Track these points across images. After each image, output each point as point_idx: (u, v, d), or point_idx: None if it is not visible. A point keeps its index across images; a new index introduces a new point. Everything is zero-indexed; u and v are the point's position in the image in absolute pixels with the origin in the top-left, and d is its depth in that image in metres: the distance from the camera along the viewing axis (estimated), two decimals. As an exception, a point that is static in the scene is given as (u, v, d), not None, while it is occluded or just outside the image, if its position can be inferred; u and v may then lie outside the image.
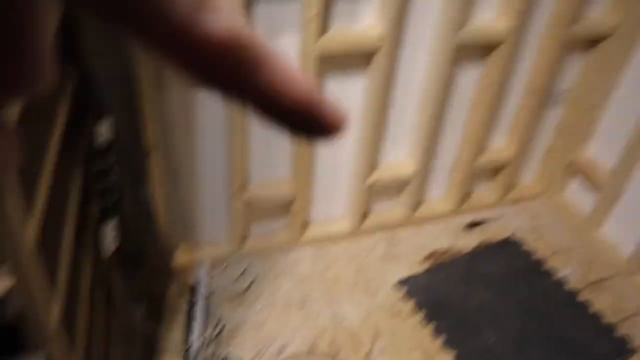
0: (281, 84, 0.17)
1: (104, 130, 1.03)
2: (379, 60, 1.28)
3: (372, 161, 1.51)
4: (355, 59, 1.29)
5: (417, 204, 1.71)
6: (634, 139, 1.56)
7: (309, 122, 0.18)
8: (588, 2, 1.50)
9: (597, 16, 1.55)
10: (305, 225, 1.57)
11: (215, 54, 0.16)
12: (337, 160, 1.49)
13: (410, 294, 1.49)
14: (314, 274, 1.51)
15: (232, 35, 0.16)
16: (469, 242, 1.70)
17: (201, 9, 0.15)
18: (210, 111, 1.23)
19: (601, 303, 1.56)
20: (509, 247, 1.71)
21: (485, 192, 1.85)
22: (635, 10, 1.49)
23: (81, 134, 0.95)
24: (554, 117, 1.75)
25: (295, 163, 1.38)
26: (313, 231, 1.58)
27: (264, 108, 0.18)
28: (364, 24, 1.25)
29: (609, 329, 1.48)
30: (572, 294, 1.57)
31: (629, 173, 1.62)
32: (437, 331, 1.40)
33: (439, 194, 1.77)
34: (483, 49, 1.44)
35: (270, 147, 1.37)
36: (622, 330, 1.47)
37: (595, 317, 1.51)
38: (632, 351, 1.42)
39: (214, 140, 1.29)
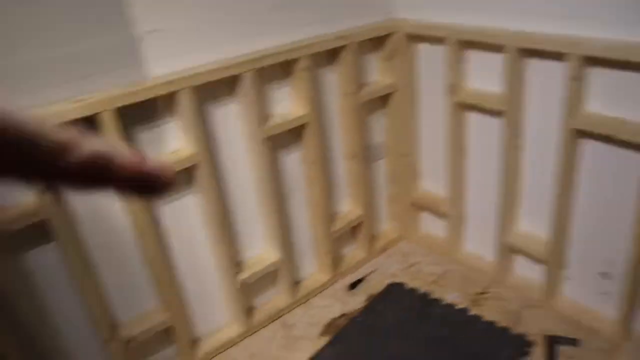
0: (124, 168, 0.27)
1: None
2: (201, 175, 1.41)
3: (235, 261, 1.60)
4: (178, 180, 1.42)
5: (295, 285, 1.81)
6: (452, 165, 1.81)
7: (146, 182, 0.27)
8: (366, 71, 1.78)
9: (377, 80, 1.83)
10: (194, 344, 1.60)
11: (79, 172, 0.26)
12: (201, 270, 1.56)
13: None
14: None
15: (90, 156, 0.26)
16: (357, 301, 1.81)
17: (65, 151, 0.25)
18: (51, 272, 1.26)
19: (490, 312, 1.70)
20: (394, 292, 1.83)
21: (353, 251, 1.99)
22: (402, 72, 1.79)
23: None
24: (382, 168, 1.98)
25: (159, 289, 1.44)
26: (205, 346, 1.61)
27: (118, 186, 0.27)
28: (175, 146, 1.39)
29: (505, 331, 1.62)
30: (464, 312, 1.71)
31: (461, 194, 1.86)
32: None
33: (312, 268, 1.88)
34: (293, 133, 1.63)
35: (128, 283, 1.42)
36: (517, 329, 1.62)
37: (490, 326, 1.65)
38: (532, 343, 1.56)
39: (65, 298, 1.30)
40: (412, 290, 1.83)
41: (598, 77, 1.37)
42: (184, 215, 1.47)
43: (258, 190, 1.59)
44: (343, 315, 1.75)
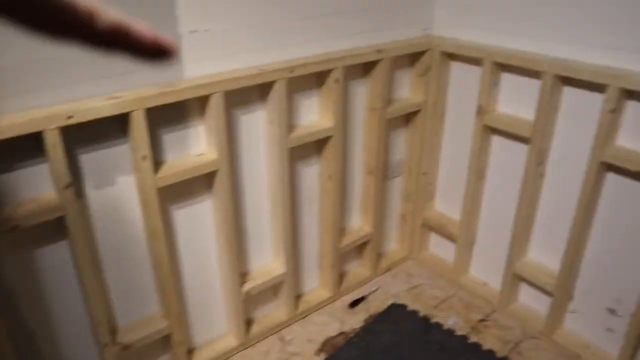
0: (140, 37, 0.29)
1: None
2: (220, 181, 1.35)
3: (240, 271, 1.54)
4: (197, 184, 1.35)
5: (296, 299, 1.76)
6: (469, 188, 1.77)
7: (158, 51, 0.30)
8: (395, 87, 1.73)
9: (406, 96, 1.77)
10: (190, 353, 1.54)
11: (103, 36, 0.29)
12: (205, 278, 1.50)
13: (311, 391, 1.49)
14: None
15: (110, 25, 0.28)
16: (356, 320, 1.76)
17: (92, 16, 0.28)
18: (59, 270, 1.20)
19: (489, 340, 1.68)
20: (394, 313, 1.79)
21: (357, 268, 1.95)
22: (432, 90, 1.74)
23: None
24: (397, 187, 1.93)
25: (163, 294, 1.37)
26: (201, 356, 1.55)
27: (132, 52, 0.30)
28: (197, 150, 1.33)
29: None
30: (463, 340, 1.68)
31: (475, 218, 1.82)
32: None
33: (315, 283, 1.83)
34: (315, 145, 1.57)
35: (132, 287, 1.35)
36: (514, 359, 1.60)
37: (489, 355, 1.62)
38: None
39: (69, 298, 1.24)
40: (413, 313, 1.79)
41: (633, 110, 1.35)
42: (198, 221, 1.40)
43: (273, 201, 1.53)
44: (341, 333, 1.71)
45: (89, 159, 1.14)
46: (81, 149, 1.13)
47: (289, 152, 1.45)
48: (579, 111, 1.45)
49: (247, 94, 1.35)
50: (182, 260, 1.42)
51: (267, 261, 1.64)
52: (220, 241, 1.45)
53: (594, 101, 1.39)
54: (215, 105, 1.23)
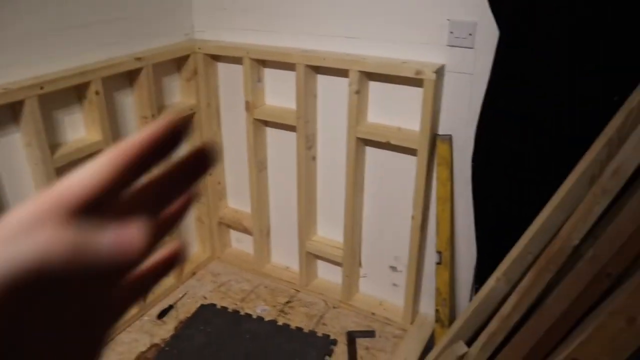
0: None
1: None
2: None
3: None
4: None
5: (99, 322, 1.69)
6: (253, 181, 1.87)
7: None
8: (166, 93, 1.75)
9: (178, 100, 1.81)
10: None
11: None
12: None
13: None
14: None
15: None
16: (166, 329, 1.75)
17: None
18: None
19: (297, 319, 1.80)
20: (204, 314, 1.82)
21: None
22: (202, 91, 1.81)
23: None
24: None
25: None
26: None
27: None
28: None
29: (311, 335, 1.72)
30: (273, 324, 1.78)
31: (264, 208, 1.93)
32: None
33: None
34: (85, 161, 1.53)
35: None
36: (321, 331, 1.74)
37: (297, 332, 1.74)
38: (334, 341, 1.69)
39: None
40: (223, 310, 1.84)
41: (374, 90, 1.56)
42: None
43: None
44: (153, 346, 1.69)
45: None
46: None
47: (56, 172, 1.38)
48: (332, 95, 1.63)
49: (-6, 117, 1.26)
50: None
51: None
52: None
53: (343, 85, 1.57)
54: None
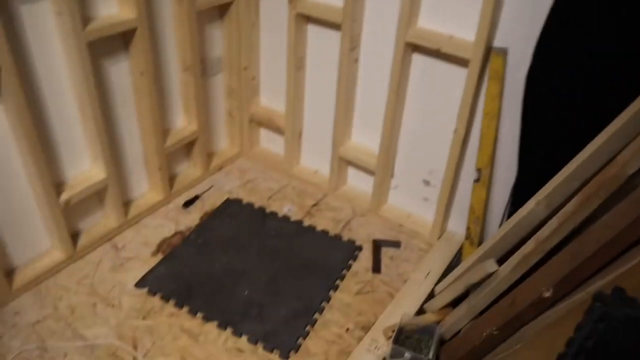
0: None
1: None
2: (5, 81, 1.20)
3: (54, 181, 1.44)
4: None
5: (126, 205, 1.70)
6: (291, 80, 1.80)
7: None
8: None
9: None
10: (10, 274, 1.44)
11: None
12: (13, 195, 1.38)
13: (152, 291, 1.49)
14: (44, 316, 1.40)
15: None
16: (192, 218, 1.77)
17: None
18: None
19: (323, 222, 1.79)
20: (230, 209, 1.82)
21: (188, 169, 1.92)
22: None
23: None
24: (220, 84, 1.90)
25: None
26: (23, 275, 1.45)
27: None
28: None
29: (337, 239, 1.72)
30: (298, 224, 1.77)
31: (299, 109, 1.87)
32: (193, 311, 1.44)
33: (144, 187, 1.78)
34: (121, 40, 1.46)
35: None
36: (347, 236, 1.73)
37: (323, 234, 1.74)
38: (360, 247, 1.69)
39: None
40: (249, 205, 1.84)
41: None
42: None
43: (80, 102, 1.41)
44: (177, 233, 1.71)
45: None
46: None
47: (88, 47, 1.33)
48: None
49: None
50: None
51: (85, 168, 1.54)
52: (24, 151, 1.32)
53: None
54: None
